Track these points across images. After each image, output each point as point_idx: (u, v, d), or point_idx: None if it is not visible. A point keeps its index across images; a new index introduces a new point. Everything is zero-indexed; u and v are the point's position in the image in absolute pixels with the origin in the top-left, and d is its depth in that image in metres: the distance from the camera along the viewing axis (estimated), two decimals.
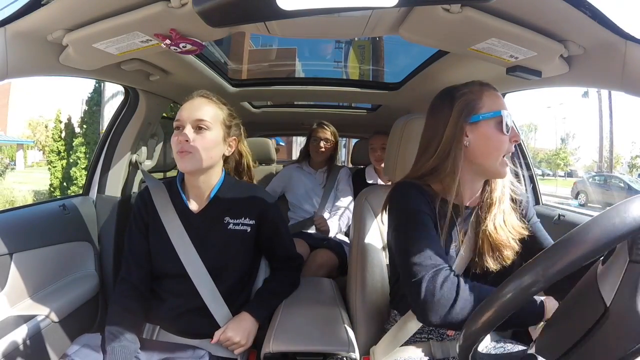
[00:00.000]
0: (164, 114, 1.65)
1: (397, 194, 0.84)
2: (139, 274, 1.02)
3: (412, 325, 0.86)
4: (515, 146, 0.84)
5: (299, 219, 2.04)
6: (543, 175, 31.05)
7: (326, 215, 2.02)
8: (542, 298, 0.71)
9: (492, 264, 0.82)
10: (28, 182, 12.35)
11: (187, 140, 0.97)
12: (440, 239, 0.81)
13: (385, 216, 0.89)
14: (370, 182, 2.12)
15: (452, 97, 0.84)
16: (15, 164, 21.10)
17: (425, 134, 0.88)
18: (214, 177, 1.05)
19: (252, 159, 1.19)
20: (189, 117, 0.99)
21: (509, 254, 0.82)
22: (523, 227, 0.85)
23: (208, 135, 0.99)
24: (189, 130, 0.98)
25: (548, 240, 0.88)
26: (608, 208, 0.44)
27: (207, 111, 1.00)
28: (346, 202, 2.05)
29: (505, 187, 0.87)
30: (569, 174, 30.91)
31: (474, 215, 0.86)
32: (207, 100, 1.04)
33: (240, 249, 1.04)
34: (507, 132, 0.80)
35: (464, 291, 0.69)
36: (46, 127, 22.58)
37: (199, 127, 0.98)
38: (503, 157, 0.81)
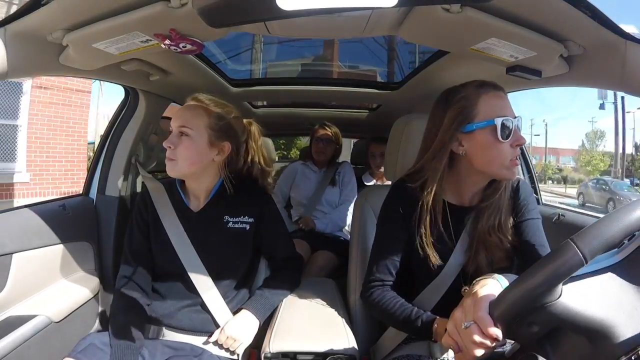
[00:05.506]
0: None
1: (385, 199, 0.90)
2: (140, 272, 1.02)
3: None
4: None
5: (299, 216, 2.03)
6: None
7: (318, 214, 2.02)
8: (435, 318, 0.78)
9: (485, 265, 0.81)
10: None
11: (169, 147, 0.96)
12: (426, 237, 0.83)
13: None
14: (368, 184, 2.14)
15: (447, 102, 0.82)
16: None
17: (423, 137, 0.88)
18: (208, 180, 1.05)
19: (265, 162, 1.17)
20: (174, 122, 0.98)
21: (501, 256, 0.82)
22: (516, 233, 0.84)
23: (187, 141, 0.97)
24: (173, 136, 0.97)
25: (539, 243, 0.83)
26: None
27: (189, 116, 0.98)
28: (352, 195, 2.04)
29: (506, 189, 0.85)
30: None
31: (472, 215, 0.85)
32: (195, 104, 1.01)
33: (239, 247, 1.04)
34: (507, 138, 0.77)
35: (385, 309, 0.86)
36: None
37: (180, 133, 0.97)
38: (510, 160, 0.78)
